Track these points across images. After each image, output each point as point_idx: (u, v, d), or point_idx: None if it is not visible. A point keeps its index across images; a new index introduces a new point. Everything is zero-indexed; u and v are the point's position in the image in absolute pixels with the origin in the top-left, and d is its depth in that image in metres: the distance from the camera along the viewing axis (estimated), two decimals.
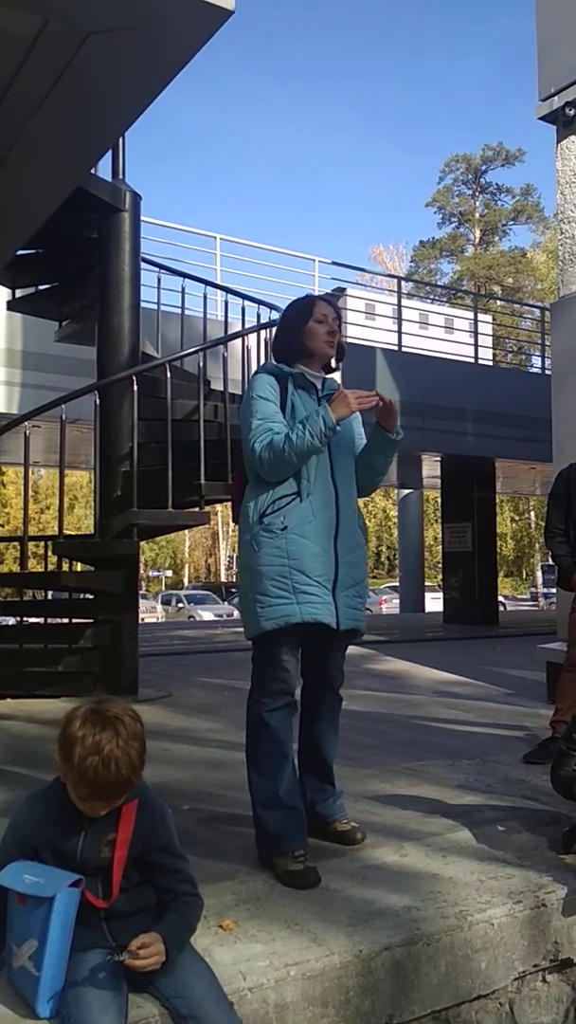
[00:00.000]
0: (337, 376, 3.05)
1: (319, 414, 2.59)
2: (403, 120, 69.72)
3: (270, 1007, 1.94)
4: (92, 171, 6.01)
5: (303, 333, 2.80)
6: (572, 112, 6.64)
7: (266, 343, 6.60)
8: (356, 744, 4.34)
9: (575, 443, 6.24)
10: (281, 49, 70.05)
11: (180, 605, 29.17)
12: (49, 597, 7.18)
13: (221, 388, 6.64)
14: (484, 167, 44.16)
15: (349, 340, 12.44)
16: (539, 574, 39.62)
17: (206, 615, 25.71)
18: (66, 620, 6.69)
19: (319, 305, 2.83)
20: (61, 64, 3.44)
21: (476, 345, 14.48)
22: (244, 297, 7.58)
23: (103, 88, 3.70)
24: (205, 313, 7.77)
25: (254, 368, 6.75)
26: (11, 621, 7.47)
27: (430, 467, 16.16)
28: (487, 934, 2.30)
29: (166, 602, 30.93)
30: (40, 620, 7.00)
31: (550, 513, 4.52)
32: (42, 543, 7.08)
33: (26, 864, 1.83)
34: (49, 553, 6.67)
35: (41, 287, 7.09)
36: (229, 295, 7.80)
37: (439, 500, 18.30)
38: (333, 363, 2.93)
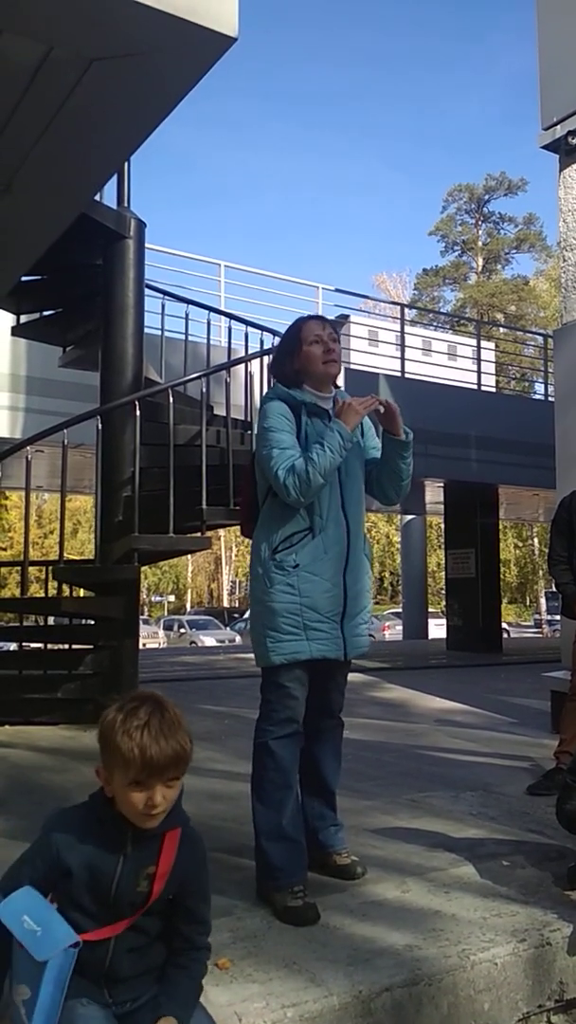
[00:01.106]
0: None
1: (333, 429, 2.61)
2: (407, 147, 70.49)
3: None
4: (97, 198, 6.06)
5: (299, 358, 2.77)
6: (574, 141, 6.69)
7: (269, 369, 6.60)
8: (358, 774, 4.27)
9: None
10: (285, 75, 71.17)
11: (182, 631, 29.06)
12: (50, 623, 7.12)
13: (224, 413, 6.64)
14: (487, 196, 44.60)
15: (352, 367, 12.50)
16: (543, 601, 39.51)
17: (208, 641, 25.59)
18: (66, 646, 6.64)
19: (308, 326, 2.79)
20: (65, 91, 3.47)
21: (479, 372, 14.52)
22: (247, 323, 7.61)
23: (107, 115, 3.72)
24: (209, 339, 7.79)
25: (256, 393, 6.77)
26: (12, 647, 7.41)
27: (433, 493, 16.14)
28: (490, 974, 2.23)
29: (168, 627, 30.82)
30: (40, 646, 6.94)
31: (552, 541, 4.49)
32: (43, 568, 7.04)
33: (32, 898, 1.67)
34: (50, 578, 6.64)
35: (45, 313, 7.13)
36: (233, 321, 7.83)
37: (442, 526, 18.25)
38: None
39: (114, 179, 6.38)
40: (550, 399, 14.06)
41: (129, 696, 1.73)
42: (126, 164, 6.44)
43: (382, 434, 2.82)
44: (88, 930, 1.67)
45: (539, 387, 18.78)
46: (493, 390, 16.70)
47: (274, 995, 1.99)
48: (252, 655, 2.78)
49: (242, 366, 7.02)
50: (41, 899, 1.68)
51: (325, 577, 2.64)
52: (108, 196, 6.35)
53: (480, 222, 45.45)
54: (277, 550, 2.64)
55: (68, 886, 1.70)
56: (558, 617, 7.41)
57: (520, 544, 42.51)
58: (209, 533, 6.34)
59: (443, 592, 19.18)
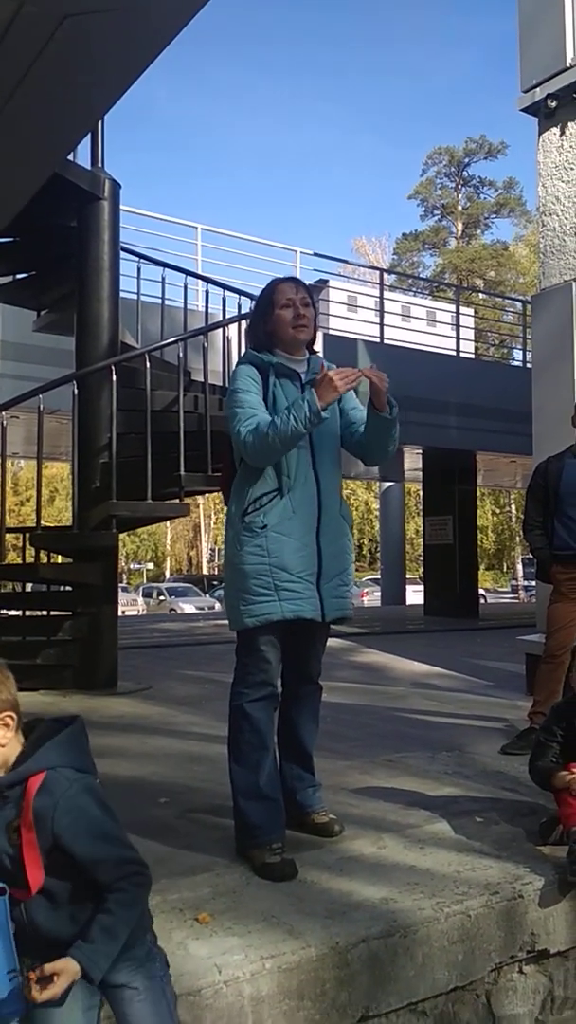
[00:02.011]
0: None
1: (304, 399, 2.52)
2: (386, 113, 69.53)
3: (245, 1000, 1.93)
4: (71, 158, 5.94)
5: (270, 322, 2.75)
6: (554, 104, 6.62)
7: (247, 333, 6.56)
8: (336, 736, 4.33)
9: (554, 436, 6.24)
10: (265, 44, 69.58)
11: (161, 598, 29.10)
12: (27, 589, 7.11)
13: (201, 379, 6.60)
14: (467, 160, 44.16)
15: (331, 332, 12.43)
16: (519, 567, 39.89)
17: (187, 608, 25.66)
18: (44, 613, 6.64)
19: (281, 289, 2.76)
20: (37, 47, 3.38)
21: (458, 338, 14.50)
22: (225, 287, 7.53)
23: (81, 71, 3.63)
24: (186, 303, 7.72)
25: (235, 358, 6.72)
26: None
27: (412, 460, 16.18)
28: (464, 925, 2.29)
29: (147, 595, 30.83)
30: (18, 613, 6.94)
31: (528, 506, 4.54)
32: (20, 535, 7.01)
33: None
34: (27, 546, 6.61)
35: (19, 276, 7.01)
36: (210, 285, 7.74)
37: (420, 493, 18.33)
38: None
39: (88, 139, 6.25)
40: (528, 366, 14.09)
41: None
42: (100, 123, 6.30)
43: (367, 405, 2.74)
44: None
45: (518, 354, 18.79)
46: (472, 356, 16.70)
47: (253, 947, 2.04)
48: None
49: (220, 331, 6.97)
50: None
51: (294, 537, 2.62)
52: (82, 156, 6.24)
53: (460, 186, 45.05)
54: (247, 512, 2.64)
55: None
56: (534, 583, 7.51)
57: (498, 511, 42.79)
58: (187, 500, 6.34)
59: (421, 558, 19.32)
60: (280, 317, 2.74)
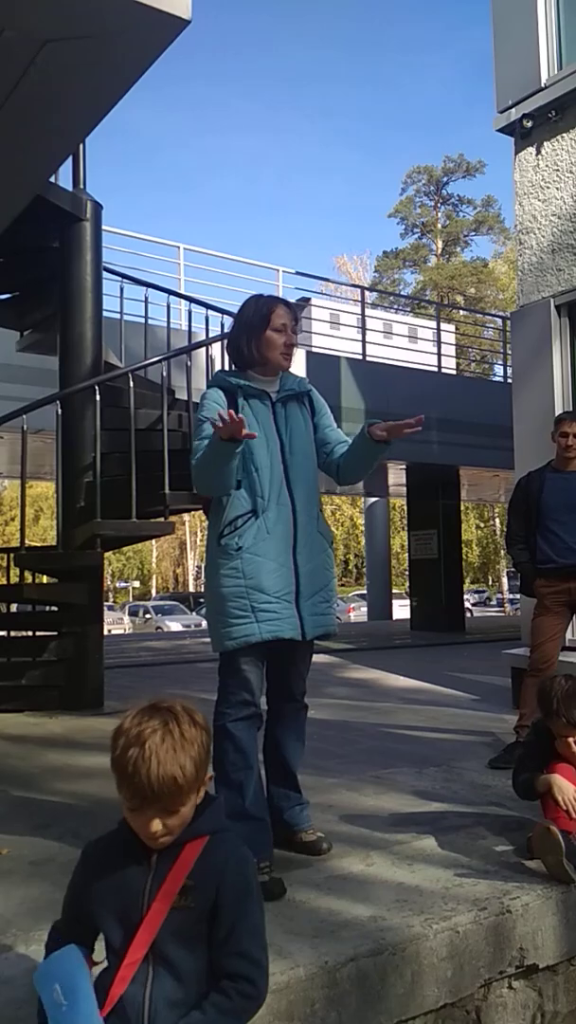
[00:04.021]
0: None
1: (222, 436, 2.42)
2: (366, 127, 70.46)
3: None
4: (52, 180, 5.97)
5: (259, 341, 2.74)
6: (529, 124, 6.73)
7: (227, 346, 6.59)
8: (323, 752, 4.33)
9: (534, 451, 6.30)
10: (244, 57, 70.53)
11: (147, 616, 28.98)
12: (12, 610, 7.07)
13: (185, 397, 6.62)
14: (445, 178, 44.71)
15: (314, 349, 12.50)
16: (505, 580, 40.05)
17: (174, 626, 25.56)
18: (29, 633, 6.60)
19: (278, 312, 2.74)
20: (18, 72, 3.42)
21: (439, 354, 14.61)
22: (207, 306, 7.57)
23: (61, 97, 3.68)
24: (169, 322, 7.75)
25: None
26: None
27: (396, 475, 16.25)
28: (453, 942, 2.29)
29: (133, 613, 30.71)
30: (2, 633, 6.89)
31: (510, 521, 4.58)
32: (4, 555, 6.98)
33: (71, 962, 1.55)
34: (11, 565, 6.58)
35: (1, 297, 7.02)
36: (193, 304, 7.78)
37: (405, 508, 18.39)
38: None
39: (69, 161, 6.29)
40: (509, 381, 14.21)
41: (155, 703, 1.57)
42: (81, 146, 6.35)
43: (363, 430, 2.71)
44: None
45: (499, 369, 18.96)
46: (454, 372, 16.82)
47: None
48: None
49: (203, 349, 6.99)
50: (80, 965, 1.56)
51: (269, 557, 2.62)
52: (63, 178, 6.27)
53: (439, 204, 45.57)
54: (223, 535, 2.65)
55: (99, 919, 1.57)
56: (519, 596, 7.55)
57: (482, 525, 43.01)
58: (173, 518, 6.33)
59: (407, 573, 19.35)
60: (271, 339, 2.73)
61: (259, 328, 2.74)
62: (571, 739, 2.83)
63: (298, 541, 2.70)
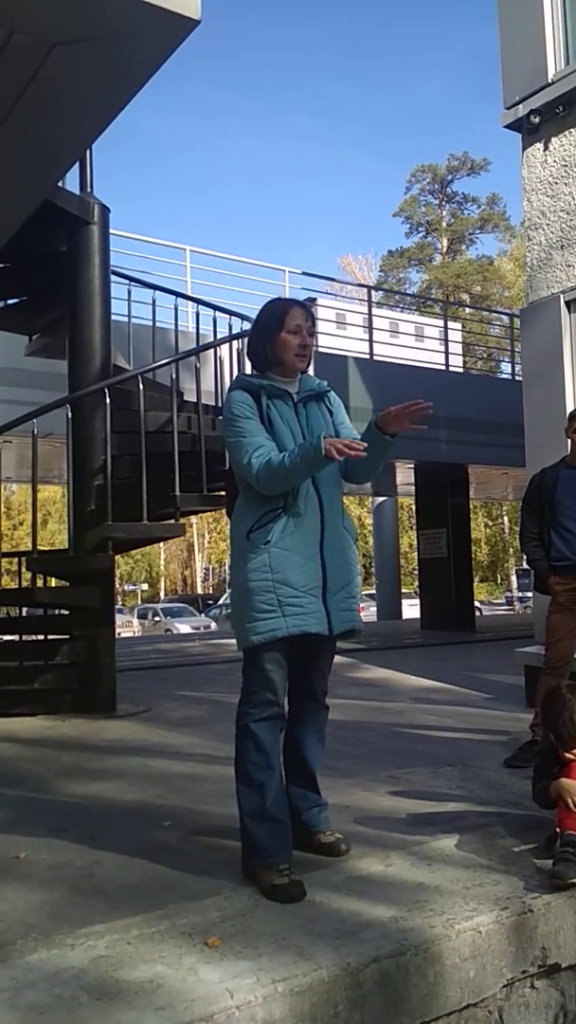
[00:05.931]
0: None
1: (310, 450, 2.49)
2: (371, 128, 70.10)
3: None
4: (60, 184, 5.98)
5: (274, 343, 2.76)
6: (537, 120, 6.71)
7: (239, 353, 6.60)
8: (338, 754, 4.32)
9: (546, 448, 6.28)
10: (252, 60, 70.37)
11: (157, 619, 28.98)
12: (24, 614, 7.08)
13: (194, 399, 6.62)
14: (450, 177, 44.61)
15: (321, 350, 12.47)
16: (514, 578, 39.92)
17: (183, 628, 25.54)
18: (41, 637, 6.61)
19: (292, 314, 2.76)
20: (27, 75, 3.42)
21: (447, 352, 14.57)
22: (215, 308, 7.57)
23: (70, 99, 3.68)
24: (176, 325, 7.75)
25: (227, 378, 6.75)
26: None
27: (404, 474, 16.21)
28: (475, 942, 2.28)
29: (143, 616, 30.72)
30: (15, 637, 6.90)
31: (524, 518, 4.56)
32: (16, 559, 6.99)
33: None
34: (23, 569, 6.59)
35: (10, 301, 7.04)
36: (200, 306, 7.79)
37: (413, 507, 18.36)
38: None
39: (77, 165, 6.30)
40: (517, 378, 14.16)
41: None
42: (89, 149, 6.36)
43: (371, 424, 2.71)
44: None
45: (506, 366, 18.92)
46: (461, 370, 16.77)
47: (264, 971, 2.02)
48: (227, 641, 2.79)
49: (211, 351, 6.99)
50: None
51: (297, 552, 2.63)
52: (71, 182, 6.28)
53: (444, 203, 45.47)
54: (251, 530, 2.66)
55: None
56: (529, 594, 7.52)
57: (490, 523, 42.87)
58: (183, 520, 6.32)
59: (416, 572, 19.32)
60: (285, 341, 2.75)
61: (274, 330, 2.76)
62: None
63: (325, 536, 2.71)
